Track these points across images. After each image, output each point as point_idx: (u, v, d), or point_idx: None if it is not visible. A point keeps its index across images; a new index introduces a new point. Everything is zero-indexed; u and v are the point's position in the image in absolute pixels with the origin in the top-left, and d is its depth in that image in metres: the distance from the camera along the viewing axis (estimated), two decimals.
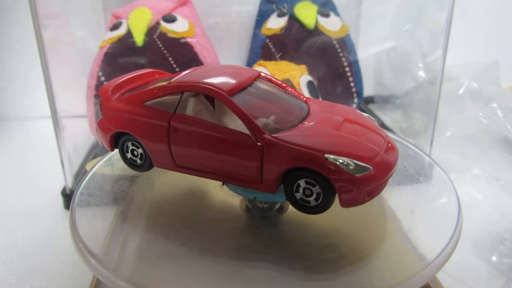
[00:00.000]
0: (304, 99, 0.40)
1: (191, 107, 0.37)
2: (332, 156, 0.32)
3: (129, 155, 0.41)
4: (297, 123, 0.36)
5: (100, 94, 0.42)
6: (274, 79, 0.41)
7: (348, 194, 0.33)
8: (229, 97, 0.36)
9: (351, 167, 0.32)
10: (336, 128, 0.35)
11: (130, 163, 0.41)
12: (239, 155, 0.35)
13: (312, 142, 0.33)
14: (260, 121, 0.35)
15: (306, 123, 0.36)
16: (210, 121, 0.36)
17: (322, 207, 0.34)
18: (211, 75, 0.38)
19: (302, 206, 0.34)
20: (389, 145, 0.36)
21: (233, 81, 0.37)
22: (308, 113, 0.37)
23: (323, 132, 0.35)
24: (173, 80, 0.39)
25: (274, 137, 0.34)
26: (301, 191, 0.34)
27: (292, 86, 0.43)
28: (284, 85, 0.41)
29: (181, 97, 0.38)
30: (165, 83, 0.39)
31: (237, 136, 0.35)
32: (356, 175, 0.32)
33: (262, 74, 0.41)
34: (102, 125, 0.41)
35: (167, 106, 0.38)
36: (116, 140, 0.41)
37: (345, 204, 0.33)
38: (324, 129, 0.35)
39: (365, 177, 0.32)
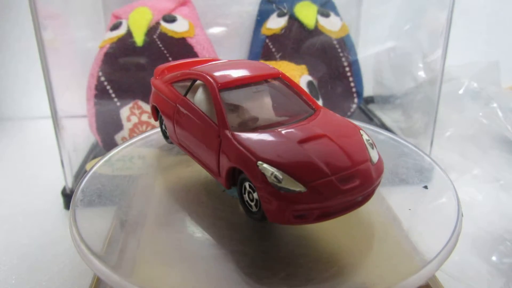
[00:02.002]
0: (315, 107, 0.39)
1: (199, 94, 0.39)
2: (264, 165, 0.31)
3: (163, 126, 0.47)
4: (277, 127, 0.35)
5: (154, 72, 0.48)
6: (293, 82, 0.41)
7: (269, 208, 0.31)
8: (216, 89, 0.37)
9: (278, 181, 0.30)
10: (303, 141, 0.33)
11: (163, 133, 0.48)
12: (208, 145, 0.37)
13: (257, 147, 0.33)
14: (239, 118, 0.36)
15: (280, 129, 0.35)
16: (208, 110, 0.38)
17: (260, 214, 0.33)
18: (223, 68, 0.40)
19: (247, 210, 0.34)
20: (354, 173, 0.32)
21: (235, 76, 0.38)
22: (301, 121, 0.36)
23: (282, 141, 0.33)
24: (193, 67, 0.42)
25: (232, 134, 0.34)
26: (246, 194, 0.34)
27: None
28: (300, 90, 0.40)
29: (192, 83, 0.41)
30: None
31: (210, 127, 0.36)
32: (281, 190, 0.30)
33: (281, 75, 0.40)
34: (149, 99, 0.48)
35: (183, 89, 0.42)
36: (158, 112, 0.47)
37: (269, 217, 0.32)
38: (289, 138, 0.34)
39: (290, 195, 0.30)
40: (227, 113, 0.36)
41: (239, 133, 0.34)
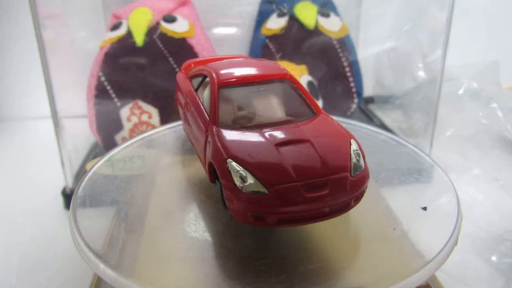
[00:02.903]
0: (316, 111, 0.38)
1: (206, 90, 0.40)
2: (233, 163, 0.31)
3: None
4: (266, 128, 0.35)
5: (182, 66, 0.51)
6: (299, 85, 0.40)
7: (231, 206, 0.31)
8: (216, 85, 0.38)
9: (242, 180, 0.31)
10: (281, 144, 0.33)
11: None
12: (200, 139, 0.38)
13: (232, 145, 0.33)
14: (232, 116, 0.37)
15: (266, 130, 0.35)
16: (208, 105, 0.39)
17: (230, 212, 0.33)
18: (233, 66, 0.41)
19: (224, 205, 0.34)
20: (324, 181, 0.31)
21: (238, 74, 0.39)
22: (293, 124, 0.36)
23: (260, 142, 0.33)
24: (209, 64, 0.43)
25: (217, 130, 0.35)
26: None
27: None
28: (305, 93, 0.40)
29: (203, 79, 0.43)
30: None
31: (205, 122, 0.37)
32: (243, 190, 0.30)
33: (289, 77, 0.40)
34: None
35: (196, 84, 0.44)
36: None
37: (232, 215, 0.32)
38: (268, 140, 0.33)
39: (251, 196, 0.30)
40: (223, 110, 0.37)
41: (225, 130, 0.35)
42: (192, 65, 0.50)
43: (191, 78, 0.46)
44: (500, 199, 0.65)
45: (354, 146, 0.34)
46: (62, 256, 0.54)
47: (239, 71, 0.40)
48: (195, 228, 0.37)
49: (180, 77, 0.48)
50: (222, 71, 0.40)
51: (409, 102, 0.83)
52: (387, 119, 0.86)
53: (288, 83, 0.40)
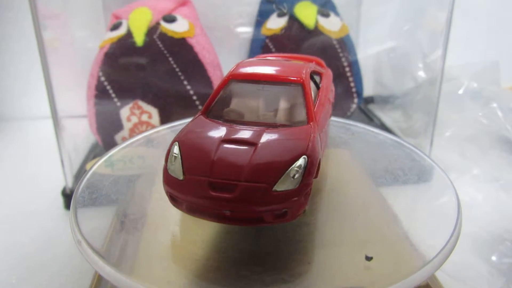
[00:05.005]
0: (308, 121, 0.37)
1: None
2: (176, 146, 0.34)
3: None
4: (242, 125, 0.36)
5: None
6: (307, 93, 0.39)
7: (163, 184, 0.34)
8: (227, 78, 0.40)
9: (172, 163, 0.33)
10: (227, 141, 0.33)
11: None
12: None
13: (190, 131, 0.35)
14: (227, 108, 0.39)
15: (234, 126, 0.35)
16: None
17: None
18: (259, 64, 0.42)
19: None
20: (232, 185, 0.30)
21: (252, 72, 0.40)
22: (264, 127, 0.35)
23: (213, 135, 0.34)
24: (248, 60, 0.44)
25: (198, 118, 0.37)
26: None
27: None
28: (308, 102, 0.38)
29: None
30: None
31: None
32: (169, 171, 0.33)
33: (303, 83, 0.39)
34: None
35: None
36: None
37: None
38: (221, 134, 0.34)
39: (171, 179, 0.33)
40: (223, 101, 0.39)
41: (204, 119, 0.37)
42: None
43: None
44: (500, 199, 0.65)
45: (300, 162, 0.32)
46: (62, 256, 0.54)
47: (258, 69, 0.40)
48: (195, 227, 0.37)
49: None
50: (244, 66, 0.41)
51: (409, 102, 0.83)
52: (387, 119, 0.86)
53: (299, 89, 0.39)
